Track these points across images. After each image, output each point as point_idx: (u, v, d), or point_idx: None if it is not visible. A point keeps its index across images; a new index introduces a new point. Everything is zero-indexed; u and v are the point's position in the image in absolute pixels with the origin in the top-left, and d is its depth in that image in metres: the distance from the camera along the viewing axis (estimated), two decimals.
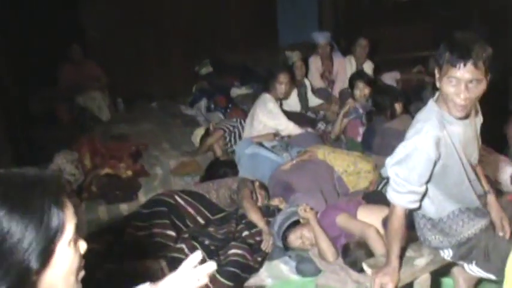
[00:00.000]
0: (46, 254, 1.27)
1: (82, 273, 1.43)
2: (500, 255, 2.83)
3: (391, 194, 2.86)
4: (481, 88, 2.55)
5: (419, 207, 2.93)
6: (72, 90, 7.76)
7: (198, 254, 1.74)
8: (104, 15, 8.64)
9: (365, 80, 6.14)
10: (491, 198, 3.12)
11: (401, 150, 2.77)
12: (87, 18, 8.68)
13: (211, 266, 1.72)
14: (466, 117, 2.75)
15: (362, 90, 6.01)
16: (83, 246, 1.41)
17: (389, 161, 2.85)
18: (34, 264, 1.24)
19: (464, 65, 2.46)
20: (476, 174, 3.01)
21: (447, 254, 3.07)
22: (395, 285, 2.86)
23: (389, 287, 2.84)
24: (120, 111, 8.46)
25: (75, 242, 1.37)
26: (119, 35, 8.71)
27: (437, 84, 2.66)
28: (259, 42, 9.35)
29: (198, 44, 9.12)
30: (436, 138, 2.65)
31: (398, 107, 5.41)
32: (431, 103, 2.80)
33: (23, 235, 1.22)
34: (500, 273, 2.81)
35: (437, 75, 2.63)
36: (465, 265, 3.04)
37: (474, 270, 3.01)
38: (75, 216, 1.36)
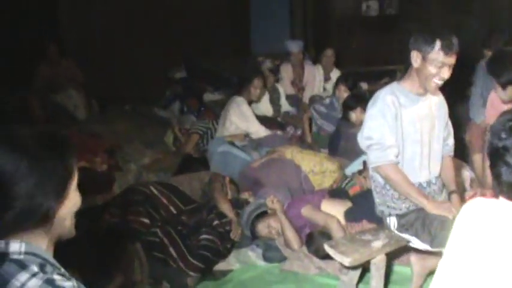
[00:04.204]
0: (63, 192, 1.55)
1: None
2: (436, 226, 3.14)
3: (375, 158, 3.23)
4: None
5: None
6: (47, 88, 7.86)
7: None
8: (80, 18, 8.81)
9: (348, 84, 6.39)
10: (455, 197, 3.48)
11: (367, 119, 3.24)
12: (65, 19, 8.83)
13: None
14: (422, 95, 3.27)
15: (341, 92, 6.27)
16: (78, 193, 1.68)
17: (361, 134, 3.28)
18: (55, 199, 1.52)
19: (453, 53, 3.06)
20: (433, 161, 3.39)
21: (393, 223, 3.38)
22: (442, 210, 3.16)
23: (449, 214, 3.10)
24: (94, 111, 8.60)
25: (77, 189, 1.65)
26: (94, 38, 8.87)
27: (415, 65, 3.15)
28: (232, 50, 9.60)
29: (172, 50, 9.30)
30: (391, 100, 3.16)
31: (361, 114, 5.67)
32: (393, 83, 3.32)
33: (47, 178, 1.49)
34: (434, 243, 3.14)
35: (417, 59, 3.13)
36: (409, 239, 3.34)
37: (415, 243, 3.32)
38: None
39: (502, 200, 1.77)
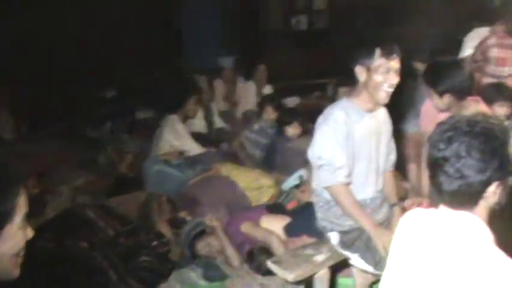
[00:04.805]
0: None
1: (20, 258, 1.60)
2: (381, 252, 3.15)
3: (325, 179, 3.22)
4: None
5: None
6: None
7: None
8: (8, 35, 8.54)
9: (274, 104, 6.47)
10: (396, 210, 3.55)
11: (318, 137, 3.21)
12: None
13: None
14: (371, 111, 3.28)
15: (270, 114, 6.32)
16: (29, 233, 1.59)
17: (312, 151, 3.25)
18: None
19: (395, 57, 3.10)
20: (379, 176, 3.45)
21: (334, 238, 3.40)
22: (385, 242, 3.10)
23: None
24: (23, 131, 8.35)
25: (24, 227, 1.55)
26: (24, 55, 8.61)
27: (362, 80, 3.15)
28: (163, 66, 9.51)
29: (103, 68, 9.14)
30: (343, 118, 3.14)
31: (297, 128, 5.74)
32: (343, 98, 3.31)
33: None
34: (378, 266, 3.16)
35: (362, 73, 3.13)
36: (351, 256, 3.36)
37: (356, 262, 3.34)
38: (26, 206, 1.55)
39: (442, 209, 1.81)
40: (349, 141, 3.18)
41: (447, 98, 3.66)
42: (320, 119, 3.27)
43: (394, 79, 3.11)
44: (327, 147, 3.16)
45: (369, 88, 3.15)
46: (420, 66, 5.25)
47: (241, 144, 6.39)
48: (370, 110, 3.27)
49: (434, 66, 3.92)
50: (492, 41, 5.31)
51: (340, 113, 3.16)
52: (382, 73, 3.08)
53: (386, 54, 3.07)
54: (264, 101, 6.64)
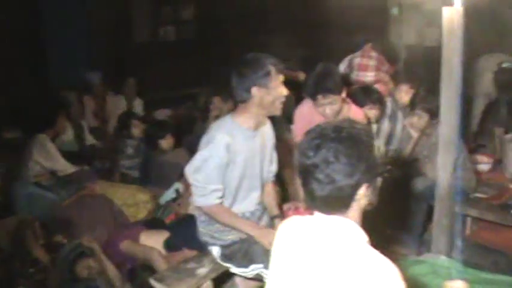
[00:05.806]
0: None
1: None
2: (258, 254, 3.26)
3: (199, 200, 3.27)
4: None
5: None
6: None
7: None
8: None
9: (138, 117, 6.46)
10: (278, 221, 3.58)
11: (198, 158, 3.23)
12: None
13: None
14: (258, 127, 3.32)
15: (138, 127, 6.26)
16: None
17: (189, 169, 3.27)
18: None
19: (282, 69, 3.23)
20: (261, 190, 3.52)
21: (216, 252, 3.46)
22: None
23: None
24: None
25: None
26: None
27: (257, 99, 3.16)
28: (28, 82, 9.15)
29: None
30: (226, 144, 3.14)
31: (171, 140, 5.74)
32: (227, 116, 3.33)
33: None
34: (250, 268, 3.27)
35: (258, 93, 3.13)
36: (232, 267, 3.43)
37: (238, 271, 3.41)
38: None
39: (317, 215, 1.88)
40: (232, 165, 3.22)
41: (344, 92, 3.82)
42: (204, 140, 3.26)
43: (285, 90, 3.21)
44: (202, 171, 3.19)
45: (265, 105, 3.20)
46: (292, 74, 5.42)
47: (123, 174, 6.27)
48: (257, 127, 3.31)
49: (323, 73, 3.93)
50: (357, 53, 5.65)
51: (224, 137, 3.17)
52: (277, 87, 3.17)
53: (279, 69, 3.17)
54: (126, 118, 6.56)
